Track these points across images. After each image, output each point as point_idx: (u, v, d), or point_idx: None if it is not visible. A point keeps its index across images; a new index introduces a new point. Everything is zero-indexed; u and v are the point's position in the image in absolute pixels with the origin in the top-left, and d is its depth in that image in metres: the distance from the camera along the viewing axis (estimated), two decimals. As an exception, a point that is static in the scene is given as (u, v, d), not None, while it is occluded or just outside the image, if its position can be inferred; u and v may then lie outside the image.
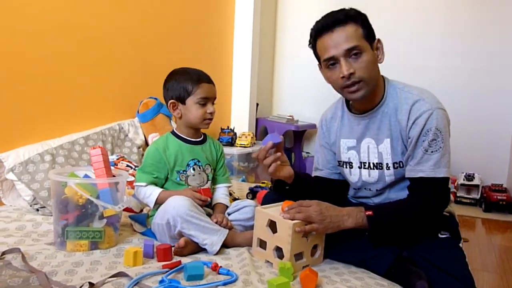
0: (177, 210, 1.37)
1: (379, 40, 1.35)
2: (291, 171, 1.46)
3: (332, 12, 1.33)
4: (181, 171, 1.53)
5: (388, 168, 1.38)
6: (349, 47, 1.28)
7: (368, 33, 1.32)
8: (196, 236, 1.38)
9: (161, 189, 1.52)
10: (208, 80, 1.54)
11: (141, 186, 1.52)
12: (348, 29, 1.29)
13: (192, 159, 1.55)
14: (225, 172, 1.67)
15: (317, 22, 1.34)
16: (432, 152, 1.29)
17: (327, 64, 1.34)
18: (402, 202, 1.36)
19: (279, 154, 1.39)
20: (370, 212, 1.27)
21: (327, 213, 1.27)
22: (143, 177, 1.52)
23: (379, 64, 1.37)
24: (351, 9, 1.34)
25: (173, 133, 1.59)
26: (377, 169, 1.41)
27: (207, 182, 1.57)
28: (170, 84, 1.54)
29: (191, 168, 1.54)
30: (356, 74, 1.30)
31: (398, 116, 1.34)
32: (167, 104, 1.56)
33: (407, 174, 1.35)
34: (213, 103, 1.55)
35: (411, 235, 1.35)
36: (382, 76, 1.42)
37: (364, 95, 1.34)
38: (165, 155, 1.52)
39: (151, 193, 1.51)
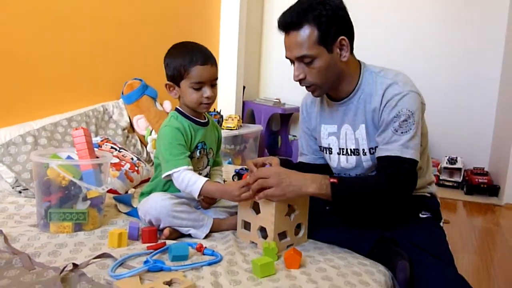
0: (158, 212, 1.33)
1: (343, 39, 1.30)
2: (278, 162, 1.44)
3: (293, 7, 1.29)
4: (189, 153, 1.43)
5: (364, 153, 1.39)
6: (299, 55, 1.29)
7: (325, 35, 1.27)
8: (180, 229, 1.37)
9: (206, 179, 1.35)
10: (204, 61, 1.38)
11: (181, 171, 1.35)
12: (301, 34, 1.27)
13: (200, 142, 1.47)
14: (219, 154, 1.66)
15: (279, 18, 1.31)
16: (402, 133, 1.28)
17: (289, 60, 1.35)
18: (368, 176, 1.38)
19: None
20: (334, 180, 1.24)
21: (286, 177, 1.22)
22: (176, 161, 1.35)
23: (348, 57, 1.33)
24: (310, 6, 1.27)
25: (179, 112, 1.47)
26: (354, 155, 1.41)
27: (206, 167, 1.52)
28: (166, 63, 1.43)
29: (198, 151, 1.46)
30: (307, 79, 1.32)
31: (372, 101, 1.34)
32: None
33: (376, 154, 1.34)
34: (212, 85, 1.42)
35: (373, 210, 1.35)
36: (359, 61, 1.41)
37: (320, 95, 1.39)
38: (185, 135, 1.41)
39: (195, 181, 1.34)
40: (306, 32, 1.26)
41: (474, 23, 3.74)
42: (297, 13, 1.27)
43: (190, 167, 1.38)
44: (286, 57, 1.35)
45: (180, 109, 1.48)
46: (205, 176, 1.50)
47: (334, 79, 1.35)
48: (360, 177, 1.40)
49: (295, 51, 1.29)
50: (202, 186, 1.34)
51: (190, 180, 1.35)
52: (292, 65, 1.35)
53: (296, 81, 1.34)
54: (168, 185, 1.47)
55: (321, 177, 1.26)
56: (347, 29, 1.31)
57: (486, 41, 3.72)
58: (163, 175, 1.39)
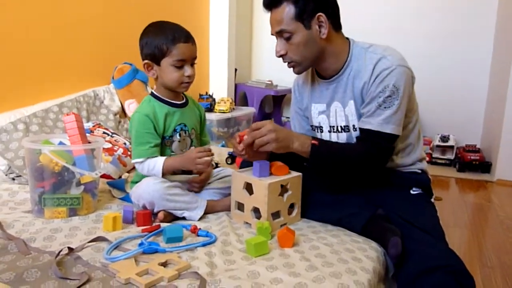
0: (152, 196, 1.33)
1: (320, 15, 1.32)
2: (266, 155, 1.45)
3: None
4: (167, 137, 1.44)
5: (355, 129, 1.41)
6: (277, 30, 1.35)
7: (302, 12, 1.31)
8: (174, 212, 1.38)
9: (163, 158, 1.39)
10: (186, 39, 1.38)
11: (141, 162, 1.40)
12: (280, 11, 1.33)
13: (179, 124, 1.46)
14: (206, 134, 1.65)
15: None
16: (385, 108, 1.32)
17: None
18: (347, 145, 1.43)
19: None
20: (315, 142, 1.33)
21: (279, 134, 1.30)
22: (140, 151, 1.39)
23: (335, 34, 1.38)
24: None
25: (154, 96, 1.47)
26: (344, 131, 1.43)
27: (189, 148, 1.50)
28: (144, 41, 1.41)
29: (178, 134, 1.46)
30: (288, 55, 1.38)
31: (362, 77, 1.35)
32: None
33: (358, 125, 1.39)
34: (192, 64, 1.42)
35: (347, 176, 1.44)
36: (347, 39, 1.42)
37: (300, 72, 1.44)
38: (155, 121, 1.41)
39: (155, 164, 1.38)
40: (284, 9, 1.33)
41: (466, 0, 3.72)
42: None
43: (155, 155, 1.40)
44: (271, 34, 1.40)
45: (155, 92, 1.47)
46: None
47: (314, 56, 1.38)
48: (340, 143, 1.45)
49: (275, 27, 1.36)
50: (163, 164, 1.38)
51: (149, 165, 1.40)
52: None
53: (278, 57, 1.40)
54: None
55: (304, 136, 1.37)
56: (326, 6, 1.34)
57: (478, 18, 3.71)
58: (131, 161, 1.45)
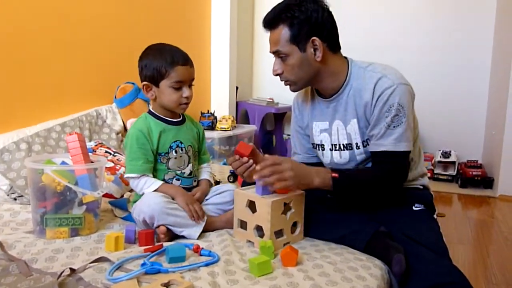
0: (152, 209, 1.34)
1: (314, 40, 1.35)
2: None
3: (275, 7, 1.38)
4: (163, 154, 1.47)
5: (358, 147, 1.42)
6: (273, 50, 1.39)
7: (296, 35, 1.34)
8: (173, 228, 1.37)
9: (160, 183, 1.43)
10: (184, 62, 1.43)
11: (135, 177, 1.42)
12: (276, 32, 1.37)
13: (175, 141, 1.49)
14: (206, 151, 1.66)
15: (264, 17, 1.40)
16: (394, 127, 1.33)
17: None
18: (366, 170, 1.43)
19: (251, 162, 1.36)
20: (336, 175, 1.32)
21: (298, 171, 1.29)
22: (134, 166, 1.42)
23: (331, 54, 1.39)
24: (286, 7, 1.35)
25: (150, 113, 1.50)
26: (347, 149, 1.44)
27: (187, 165, 1.52)
28: (143, 63, 1.45)
29: (173, 151, 1.48)
30: (284, 74, 1.41)
31: (363, 96, 1.37)
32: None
33: (370, 148, 1.39)
34: (190, 86, 1.47)
35: (371, 200, 1.43)
36: (346, 58, 1.44)
37: (296, 90, 1.47)
38: (149, 137, 1.44)
39: (150, 186, 1.42)
40: (281, 31, 1.36)
41: (462, 13, 3.76)
42: (274, 14, 1.38)
43: (149, 174, 1.43)
44: (270, 52, 1.43)
45: (152, 110, 1.51)
46: (189, 174, 1.51)
47: (310, 77, 1.41)
48: (359, 170, 1.44)
49: (272, 47, 1.40)
50: (158, 188, 1.41)
51: (145, 183, 1.42)
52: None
53: (275, 75, 1.43)
54: None
55: (323, 170, 1.35)
56: (322, 30, 1.35)
57: (476, 31, 3.74)
58: (124, 176, 1.47)
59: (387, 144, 1.34)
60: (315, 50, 1.36)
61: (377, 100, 1.33)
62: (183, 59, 1.43)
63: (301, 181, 1.29)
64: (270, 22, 1.38)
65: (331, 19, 1.37)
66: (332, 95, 1.44)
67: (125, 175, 1.45)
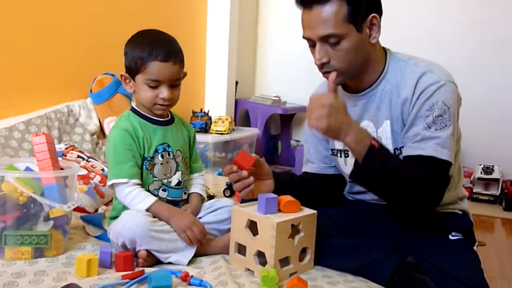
0: (133, 232, 1.33)
1: (374, 17, 1.34)
2: (270, 187, 1.47)
3: None
4: (148, 158, 1.47)
5: None
6: (324, 34, 1.32)
7: (356, 12, 1.31)
8: (157, 254, 1.38)
9: (154, 199, 1.42)
10: (165, 58, 1.41)
11: (123, 183, 1.41)
12: (328, 9, 1.30)
13: (161, 144, 1.49)
14: (197, 158, 1.67)
15: None
16: (436, 130, 1.32)
17: (307, 42, 1.38)
18: (408, 164, 1.35)
19: (251, 179, 1.38)
20: (376, 144, 1.27)
21: (336, 116, 1.25)
22: (121, 169, 1.41)
23: (377, 39, 1.39)
24: None
25: (133, 110, 1.51)
26: None
27: (174, 173, 1.52)
28: (125, 50, 1.47)
29: (159, 155, 1.48)
30: (331, 63, 1.36)
31: (401, 93, 1.37)
32: None
33: (405, 152, 1.37)
34: (172, 86, 1.45)
35: (394, 201, 1.39)
36: (384, 49, 1.45)
37: (340, 83, 1.42)
38: (135, 137, 1.44)
39: (142, 201, 1.40)
40: (333, 7, 1.30)
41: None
42: None
43: (137, 181, 1.43)
44: (305, 37, 1.38)
45: (135, 107, 1.52)
46: (177, 184, 1.52)
47: (360, 65, 1.39)
48: (402, 160, 1.38)
49: (320, 30, 1.32)
50: (151, 206, 1.40)
51: (136, 196, 1.41)
52: (311, 47, 1.39)
53: (318, 65, 1.37)
54: None
55: (365, 133, 1.30)
56: (379, 6, 1.36)
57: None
58: (107, 184, 1.45)
59: (426, 147, 1.32)
60: (371, 30, 1.35)
61: (418, 96, 1.34)
62: (165, 55, 1.41)
63: (335, 124, 1.24)
64: None
65: None
66: (364, 89, 1.44)
67: (110, 182, 1.43)
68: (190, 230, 1.38)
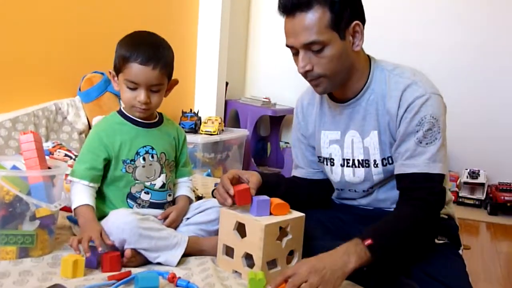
0: (122, 230, 1.33)
1: (357, 24, 1.34)
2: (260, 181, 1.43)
3: None
4: (129, 161, 1.47)
5: (376, 165, 1.42)
6: (307, 41, 1.31)
7: (339, 19, 1.30)
8: (146, 253, 1.37)
9: (83, 203, 1.41)
10: (145, 61, 1.39)
11: (74, 181, 1.45)
12: (310, 16, 1.29)
13: (144, 146, 1.49)
14: (187, 163, 1.66)
15: None
16: (427, 144, 1.33)
17: (291, 50, 1.38)
18: (398, 215, 1.34)
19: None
20: (369, 241, 1.20)
21: (321, 265, 1.17)
22: (77, 169, 1.46)
23: (358, 48, 1.37)
24: None
25: (120, 112, 1.52)
26: (363, 167, 1.45)
27: (159, 176, 1.51)
28: (116, 48, 1.47)
29: (141, 158, 1.48)
30: (315, 71, 1.35)
31: (387, 104, 1.37)
32: None
33: (397, 170, 1.38)
34: (152, 91, 1.43)
35: (414, 248, 1.35)
36: (368, 56, 1.44)
37: (326, 90, 1.41)
38: (107, 139, 1.45)
39: (75, 200, 1.42)
40: (316, 14, 1.29)
41: (501, 9, 3.80)
42: None
43: (87, 182, 1.44)
44: (288, 46, 1.37)
45: (122, 109, 1.52)
46: (161, 186, 1.51)
47: (345, 72, 1.38)
48: (390, 220, 1.34)
49: (303, 37, 1.31)
50: (79, 207, 1.41)
51: (75, 195, 1.44)
52: (294, 55, 1.38)
53: (302, 73, 1.36)
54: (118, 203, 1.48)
55: (352, 245, 1.22)
56: (362, 14, 1.36)
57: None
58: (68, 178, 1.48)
59: (419, 164, 1.32)
60: (354, 37, 1.34)
61: (405, 111, 1.34)
62: (145, 59, 1.39)
63: (333, 273, 1.15)
64: (301, 3, 1.29)
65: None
66: (349, 98, 1.44)
67: (68, 177, 1.47)
68: (87, 235, 1.32)
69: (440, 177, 1.33)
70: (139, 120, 1.50)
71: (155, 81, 1.43)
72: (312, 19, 1.29)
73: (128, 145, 1.47)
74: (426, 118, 1.32)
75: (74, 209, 1.43)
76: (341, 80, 1.39)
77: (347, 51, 1.34)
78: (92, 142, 1.47)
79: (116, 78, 1.48)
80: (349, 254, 1.19)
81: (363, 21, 1.36)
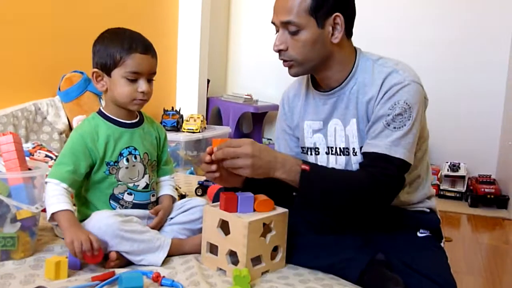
0: (103, 232, 1.32)
1: (338, 16, 1.36)
2: (242, 177, 1.43)
3: None
4: (112, 163, 1.46)
5: (355, 153, 1.44)
6: (284, 20, 1.36)
7: (318, 6, 1.33)
8: (129, 256, 1.37)
9: (63, 208, 1.34)
10: (144, 50, 1.43)
11: (52, 183, 1.38)
12: None
13: (127, 147, 1.48)
14: (169, 161, 1.66)
15: None
16: (394, 128, 1.34)
17: (275, 28, 1.41)
18: (347, 171, 1.43)
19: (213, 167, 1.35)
20: (306, 167, 1.31)
21: (259, 158, 1.28)
22: (57, 171, 1.39)
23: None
24: None
25: (100, 113, 1.50)
26: (344, 154, 1.46)
27: (142, 177, 1.50)
28: (97, 48, 1.45)
29: (124, 159, 1.47)
30: (288, 52, 1.39)
31: (367, 92, 1.39)
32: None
33: (362, 149, 1.40)
34: (149, 80, 1.46)
35: (345, 213, 1.42)
36: (354, 48, 1.46)
37: (297, 74, 1.45)
38: (92, 143, 1.43)
39: (53, 204, 1.35)
40: None
41: (479, 21, 3.87)
42: None
43: (66, 186, 1.38)
44: (272, 22, 1.41)
45: (102, 110, 1.50)
46: (145, 187, 1.50)
47: (319, 60, 1.40)
48: (338, 169, 1.45)
49: (282, 15, 1.36)
50: (54, 214, 1.34)
51: (53, 198, 1.36)
52: (276, 33, 1.41)
53: (276, 51, 1.40)
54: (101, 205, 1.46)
55: (292, 161, 1.33)
56: (346, 7, 1.38)
57: (492, 39, 3.85)
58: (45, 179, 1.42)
59: (380, 145, 1.34)
60: (334, 29, 1.37)
61: (382, 96, 1.36)
62: (144, 47, 1.44)
63: (259, 170, 1.28)
64: None
65: None
66: (333, 88, 1.45)
67: (46, 180, 1.41)
68: (78, 242, 1.28)
69: (400, 162, 1.34)
70: (121, 120, 1.49)
71: (154, 69, 1.47)
72: (294, 0, 1.34)
73: (112, 147, 1.46)
74: (399, 103, 1.34)
75: (53, 213, 1.35)
76: (313, 67, 1.42)
77: (323, 40, 1.37)
78: (75, 145, 1.43)
79: (101, 79, 1.46)
80: (282, 165, 1.31)
81: (347, 14, 1.38)
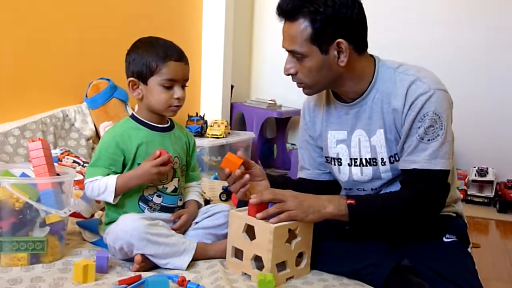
0: (130, 235, 1.34)
1: (341, 42, 1.34)
2: (267, 187, 1.47)
3: None
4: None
5: (383, 163, 1.43)
6: (288, 49, 1.39)
7: (319, 35, 1.33)
8: (155, 259, 1.38)
9: (116, 176, 1.44)
10: (179, 57, 1.48)
11: (94, 180, 1.44)
12: (294, 27, 1.35)
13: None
14: (196, 167, 1.68)
15: (279, 0, 1.40)
16: (428, 140, 1.35)
17: None
18: (390, 194, 1.43)
19: (247, 177, 1.39)
20: (352, 201, 1.33)
21: (304, 198, 1.33)
22: (96, 171, 1.45)
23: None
24: None
25: (133, 117, 1.53)
26: (370, 165, 1.45)
27: (171, 180, 1.53)
28: (132, 57, 1.49)
29: None
30: (298, 75, 1.41)
31: (392, 102, 1.38)
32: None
33: (400, 166, 1.40)
34: (183, 86, 1.50)
35: (398, 232, 1.42)
36: (372, 56, 1.46)
37: (310, 94, 1.49)
38: (124, 146, 1.47)
39: (106, 184, 1.42)
40: (298, 27, 1.35)
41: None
42: (293, 3, 1.35)
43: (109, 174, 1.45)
44: (282, 47, 1.43)
45: (135, 114, 1.54)
46: (173, 190, 1.53)
47: (328, 82, 1.42)
48: (381, 195, 1.45)
49: (287, 43, 1.39)
50: (116, 183, 1.42)
51: (100, 186, 1.43)
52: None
53: (286, 75, 1.43)
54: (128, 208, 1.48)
55: (337, 197, 1.37)
56: (349, 30, 1.35)
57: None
58: (84, 182, 1.47)
59: (419, 161, 1.35)
60: (339, 53, 1.36)
61: (409, 108, 1.35)
62: (178, 55, 1.48)
63: (310, 209, 1.31)
64: (288, 12, 1.36)
65: (361, 16, 1.37)
66: (354, 99, 1.45)
67: (85, 181, 1.46)
68: (153, 167, 1.41)
69: (441, 173, 1.35)
70: (154, 124, 1.52)
71: (188, 75, 1.52)
72: (295, 30, 1.35)
73: (144, 149, 1.49)
74: (428, 115, 1.33)
75: (115, 189, 1.42)
76: (324, 87, 1.47)
77: (329, 65, 1.37)
78: (109, 145, 1.47)
79: (137, 87, 1.49)
80: (330, 202, 1.34)
81: (352, 37, 1.36)
